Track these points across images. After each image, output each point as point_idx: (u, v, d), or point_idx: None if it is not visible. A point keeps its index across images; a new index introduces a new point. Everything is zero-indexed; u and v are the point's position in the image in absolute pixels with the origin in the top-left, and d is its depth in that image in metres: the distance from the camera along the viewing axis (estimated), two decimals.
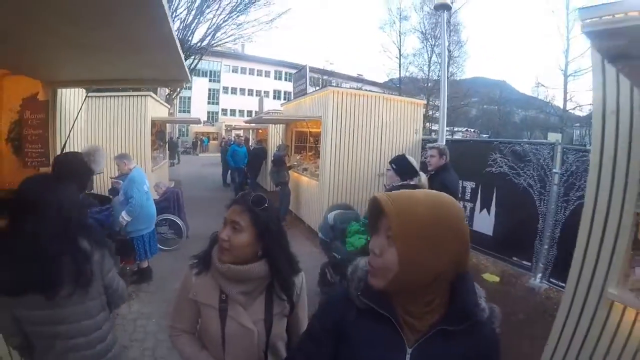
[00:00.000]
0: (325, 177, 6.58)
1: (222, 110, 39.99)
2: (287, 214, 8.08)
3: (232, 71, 40.45)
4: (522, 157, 5.20)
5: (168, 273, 4.57)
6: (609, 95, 2.33)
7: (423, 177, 3.34)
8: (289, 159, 8.80)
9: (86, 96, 4.47)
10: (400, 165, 3.31)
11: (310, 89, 9.62)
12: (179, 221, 5.69)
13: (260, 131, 12.44)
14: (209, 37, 15.59)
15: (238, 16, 15.76)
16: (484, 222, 5.71)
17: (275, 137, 10.89)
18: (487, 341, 0.90)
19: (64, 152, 3.08)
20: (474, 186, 5.99)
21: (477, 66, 69.53)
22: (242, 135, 16.59)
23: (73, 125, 3.77)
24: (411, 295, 0.86)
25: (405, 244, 0.80)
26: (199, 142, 34.61)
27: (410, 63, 24.86)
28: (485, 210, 5.74)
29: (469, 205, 5.99)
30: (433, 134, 18.60)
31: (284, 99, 36.73)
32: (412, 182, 3.16)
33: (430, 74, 23.55)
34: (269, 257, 1.39)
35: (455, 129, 27.27)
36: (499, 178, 5.49)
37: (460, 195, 5.94)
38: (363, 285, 0.93)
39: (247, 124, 16.07)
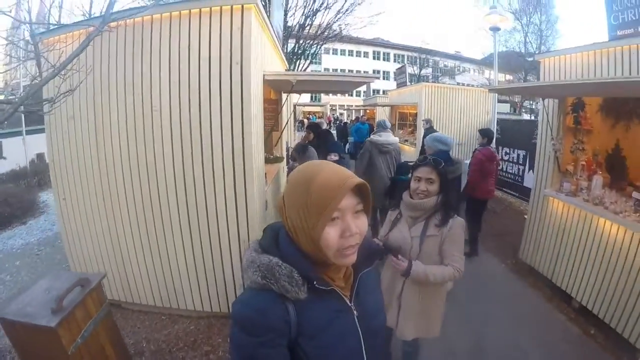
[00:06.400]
0: (419, 144, 9.33)
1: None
2: None
3: (332, 53, 39.79)
4: None
5: None
6: None
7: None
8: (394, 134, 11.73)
9: None
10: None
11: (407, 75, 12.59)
12: None
13: (367, 110, 15.15)
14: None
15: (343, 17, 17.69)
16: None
17: (381, 114, 13.79)
18: None
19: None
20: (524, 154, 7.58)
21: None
22: (361, 114, 17.13)
23: None
24: None
25: None
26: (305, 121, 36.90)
27: (506, 40, 24.96)
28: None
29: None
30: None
31: (384, 78, 37.63)
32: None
33: (526, 50, 23.66)
34: (443, 194, 2.01)
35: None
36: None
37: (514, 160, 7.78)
38: None
39: (358, 106, 18.57)
